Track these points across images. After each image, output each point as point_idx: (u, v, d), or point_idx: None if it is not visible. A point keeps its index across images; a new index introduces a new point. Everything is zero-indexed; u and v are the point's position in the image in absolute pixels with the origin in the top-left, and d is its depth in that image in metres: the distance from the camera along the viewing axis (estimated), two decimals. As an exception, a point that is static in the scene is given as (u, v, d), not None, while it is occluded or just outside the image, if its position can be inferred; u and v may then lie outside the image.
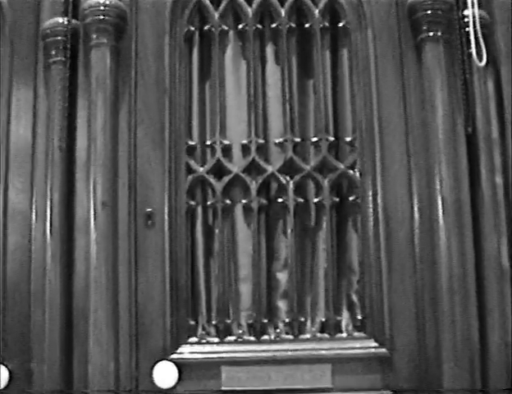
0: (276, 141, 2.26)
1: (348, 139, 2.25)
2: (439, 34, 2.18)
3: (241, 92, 2.30)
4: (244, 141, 2.25)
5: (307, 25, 2.30)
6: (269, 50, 2.33)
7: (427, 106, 2.16)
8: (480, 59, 2.17)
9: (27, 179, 2.22)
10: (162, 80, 2.24)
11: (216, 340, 2.16)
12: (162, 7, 2.27)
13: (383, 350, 2.10)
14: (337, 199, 2.23)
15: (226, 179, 2.23)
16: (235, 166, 2.24)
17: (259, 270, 2.19)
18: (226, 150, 2.25)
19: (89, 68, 2.21)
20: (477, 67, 2.19)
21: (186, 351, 2.13)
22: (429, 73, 2.17)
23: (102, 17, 2.19)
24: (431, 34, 2.18)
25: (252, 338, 2.16)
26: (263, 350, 2.13)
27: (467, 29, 2.18)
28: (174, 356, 2.12)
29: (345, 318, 2.19)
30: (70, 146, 2.20)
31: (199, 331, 2.18)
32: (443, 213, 2.09)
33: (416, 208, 2.15)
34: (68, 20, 2.22)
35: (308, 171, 2.23)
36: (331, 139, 2.25)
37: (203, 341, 2.16)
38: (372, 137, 2.20)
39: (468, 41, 2.17)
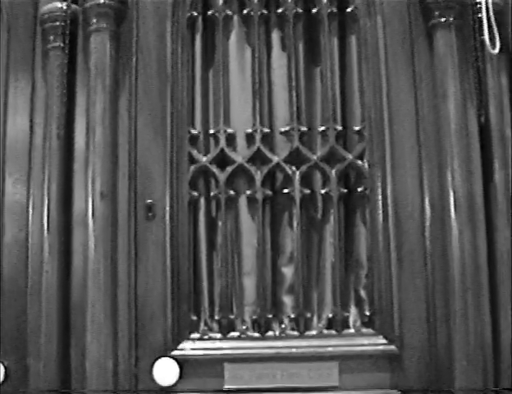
0: (282, 130, 2.23)
1: (356, 128, 2.22)
2: (451, 19, 2.14)
3: (246, 79, 2.27)
4: (249, 130, 2.22)
5: (314, 11, 2.27)
6: (275, 36, 2.30)
7: (439, 94, 2.12)
8: (493, 46, 2.14)
9: (24, 168, 2.20)
10: (163, 66, 2.21)
11: (218, 336, 2.14)
12: (164, -9, 2.24)
13: (392, 347, 2.08)
14: (345, 191, 2.20)
15: (229, 169, 2.20)
16: (240, 155, 2.21)
17: (264, 264, 2.17)
18: (230, 139, 2.22)
19: (88, 54, 2.18)
20: (490, 55, 2.16)
21: (188, 348, 2.11)
22: (440, 60, 2.13)
23: (102, 1, 2.16)
24: (442, 19, 2.14)
25: (256, 334, 2.14)
26: (268, 347, 2.11)
27: (479, 14, 2.15)
28: (175, 353, 2.09)
29: (352, 314, 2.16)
30: (68, 134, 2.18)
31: (201, 326, 2.16)
32: (455, 205, 2.06)
33: (427, 201, 2.12)
34: (67, 5, 2.20)
35: (314, 161, 2.20)
36: (339, 128, 2.22)
37: (206, 337, 2.13)
38: (381, 126, 2.17)
39: (481, 27, 2.14)
